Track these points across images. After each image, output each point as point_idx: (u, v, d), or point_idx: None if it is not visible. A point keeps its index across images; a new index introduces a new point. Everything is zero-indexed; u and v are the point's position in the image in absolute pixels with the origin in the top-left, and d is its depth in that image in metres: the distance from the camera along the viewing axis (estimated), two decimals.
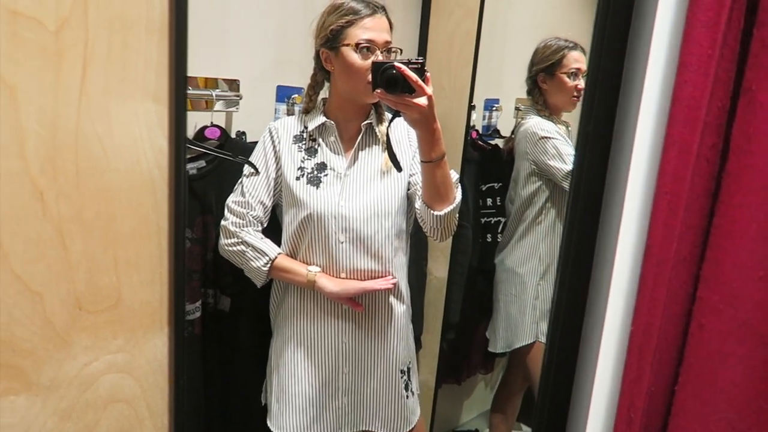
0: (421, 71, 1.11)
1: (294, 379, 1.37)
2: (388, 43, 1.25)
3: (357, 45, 1.23)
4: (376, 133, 1.35)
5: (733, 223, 0.60)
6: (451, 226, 1.31)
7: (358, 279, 1.32)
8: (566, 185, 1.70)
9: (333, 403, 1.37)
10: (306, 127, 1.36)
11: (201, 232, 1.52)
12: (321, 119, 1.33)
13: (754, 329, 0.58)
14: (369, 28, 1.24)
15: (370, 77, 1.22)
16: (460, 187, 1.34)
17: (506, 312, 1.93)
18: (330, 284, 1.29)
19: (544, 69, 1.80)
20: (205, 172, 1.53)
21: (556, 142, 1.73)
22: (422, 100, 1.10)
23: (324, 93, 1.41)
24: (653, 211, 0.71)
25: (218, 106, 1.57)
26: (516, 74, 2.01)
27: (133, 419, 0.82)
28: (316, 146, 1.35)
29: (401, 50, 1.29)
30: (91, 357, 0.76)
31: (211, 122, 1.55)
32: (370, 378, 1.39)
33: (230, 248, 1.34)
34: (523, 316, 1.91)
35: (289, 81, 1.75)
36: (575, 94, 1.81)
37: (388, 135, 1.31)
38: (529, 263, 1.91)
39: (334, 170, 1.32)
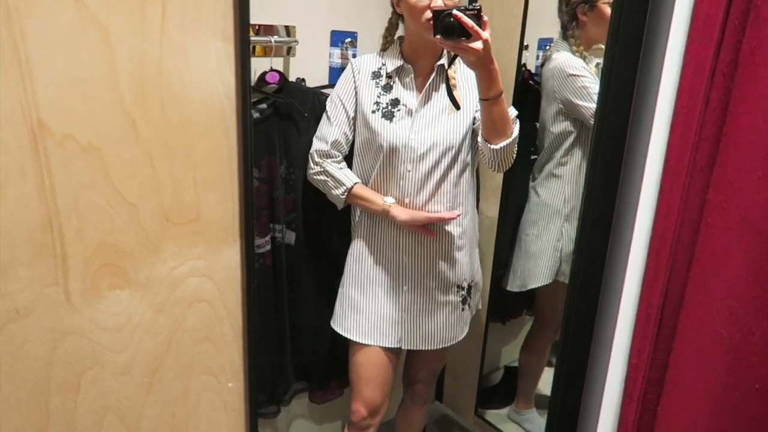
0: (477, 17, 1.21)
1: (357, 288, 1.54)
2: None
3: None
4: (447, 73, 1.46)
5: (737, 130, 0.66)
6: (508, 159, 1.42)
7: (421, 206, 1.47)
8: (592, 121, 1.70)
9: (392, 317, 1.52)
10: (384, 65, 1.48)
11: (267, 171, 1.66)
12: (399, 62, 1.48)
13: (754, 224, 0.65)
14: None
15: (429, 17, 1.31)
16: (518, 122, 1.43)
17: (526, 250, 1.94)
18: (402, 213, 1.44)
19: (585, 0, 1.78)
20: (267, 115, 1.65)
21: (585, 80, 1.72)
22: (477, 44, 1.20)
23: (401, 32, 1.53)
24: (671, 125, 0.77)
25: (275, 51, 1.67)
26: None
27: (213, 317, 0.97)
28: (392, 83, 1.49)
29: None
30: (177, 261, 0.90)
31: (271, 67, 1.66)
32: (428, 296, 1.53)
33: (315, 176, 1.53)
34: (543, 257, 1.90)
35: (342, 26, 1.83)
36: None
37: (447, 76, 1.42)
38: (554, 204, 1.90)
39: (406, 106, 1.46)
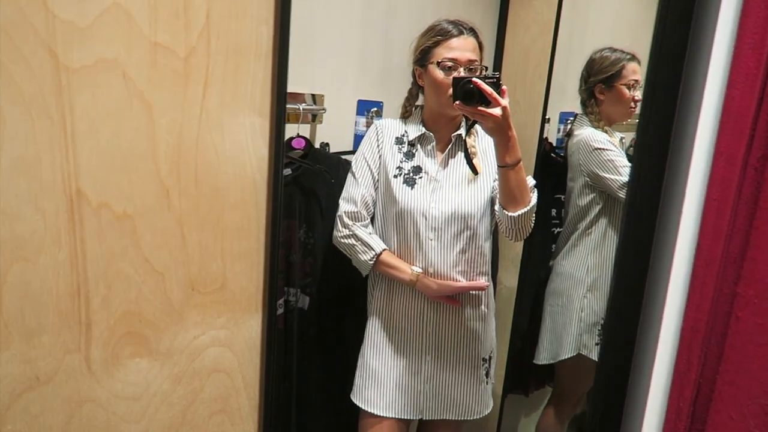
0: (496, 85, 1.24)
1: (379, 359, 1.52)
2: (471, 61, 1.38)
3: (440, 63, 1.37)
4: (465, 142, 1.48)
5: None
6: (525, 228, 1.42)
7: (445, 274, 1.46)
8: (622, 195, 1.70)
9: (415, 387, 1.49)
10: (407, 133, 1.51)
11: (285, 235, 1.66)
12: (421, 130, 1.49)
13: None
14: (454, 48, 1.39)
15: (450, 93, 1.34)
16: (536, 192, 1.44)
17: (552, 322, 1.92)
18: (432, 284, 1.44)
19: (602, 80, 1.81)
20: (291, 179, 1.67)
21: (610, 153, 1.73)
22: (496, 111, 1.22)
23: (421, 101, 1.56)
24: (703, 215, 0.76)
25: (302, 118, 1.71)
26: None
27: (231, 388, 0.95)
28: (414, 151, 1.51)
29: (486, 68, 1.40)
30: (199, 331, 0.90)
31: (298, 133, 1.70)
32: (452, 367, 1.51)
33: (342, 240, 1.51)
34: (568, 328, 1.88)
35: (368, 95, 1.88)
36: (632, 105, 1.81)
37: (465, 142, 1.44)
38: (577, 274, 1.90)
39: (427, 174, 1.48)
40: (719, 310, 0.75)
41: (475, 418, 1.54)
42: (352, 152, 1.81)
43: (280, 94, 0.86)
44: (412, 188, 1.46)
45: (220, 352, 0.93)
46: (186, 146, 0.82)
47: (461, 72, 1.38)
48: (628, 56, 1.76)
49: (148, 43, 0.77)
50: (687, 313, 0.80)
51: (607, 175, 1.76)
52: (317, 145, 1.77)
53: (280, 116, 0.87)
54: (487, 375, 1.57)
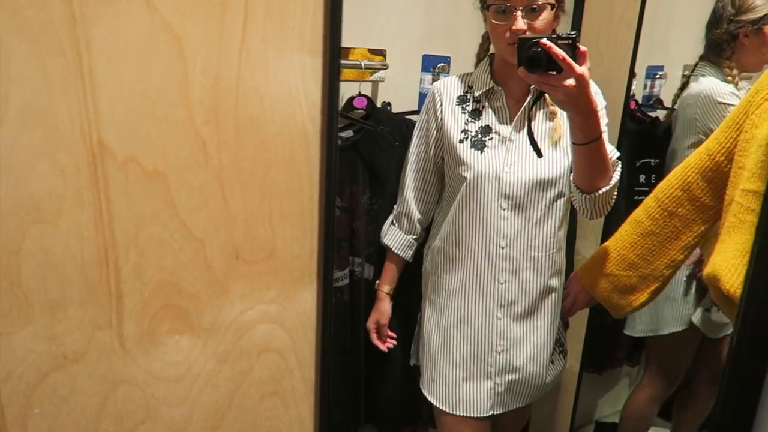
0: (572, 47, 1.02)
1: (446, 353, 1.36)
2: (529, 1, 1.16)
3: (492, 5, 1.19)
4: (545, 97, 1.28)
5: None
6: (604, 206, 1.22)
7: (518, 251, 1.28)
8: None
9: (486, 383, 1.34)
10: (471, 88, 1.33)
11: (348, 200, 1.55)
12: (488, 84, 1.30)
13: None
14: None
15: (511, 41, 1.16)
16: (620, 165, 1.24)
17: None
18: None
19: (752, 21, 1.58)
20: (353, 141, 1.55)
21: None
22: (570, 80, 1.01)
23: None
24: None
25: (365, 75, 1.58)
26: (684, 39, 1.81)
27: (284, 369, 0.84)
28: (480, 108, 1.31)
29: (552, 5, 1.20)
30: (246, 305, 0.79)
31: (359, 92, 1.57)
32: (526, 357, 1.34)
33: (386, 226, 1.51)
34: (675, 300, 1.74)
35: (434, 50, 1.72)
36: None
37: (529, 117, 1.25)
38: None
39: (499, 134, 1.28)
40: None
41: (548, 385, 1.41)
42: (417, 112, 1.67)
43: (334, 26, 0.72)
44: (481, 152, 1.28)
45: (271, 329, 0.81)
46: (224, 89, 0.70)
47: (519, 18, 1.17)
48: None
49: None
50: None
51: None
52: (379, 105, 1.64)
53: (335, 54, 0.73)
54: (560, 354, 1.42)
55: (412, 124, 1.54)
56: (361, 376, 1.60)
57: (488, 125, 1.29)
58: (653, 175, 1.95)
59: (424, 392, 1.39)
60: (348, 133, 1.55)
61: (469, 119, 1.31)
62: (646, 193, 1.91)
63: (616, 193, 1.22)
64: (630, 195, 1.92)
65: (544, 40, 1.00)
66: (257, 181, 0.75)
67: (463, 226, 1.30)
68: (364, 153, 1.55)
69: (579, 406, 2.07)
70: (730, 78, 1.63)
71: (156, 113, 0.67)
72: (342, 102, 1.57)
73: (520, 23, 1.15)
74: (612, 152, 1.20)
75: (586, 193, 1.17)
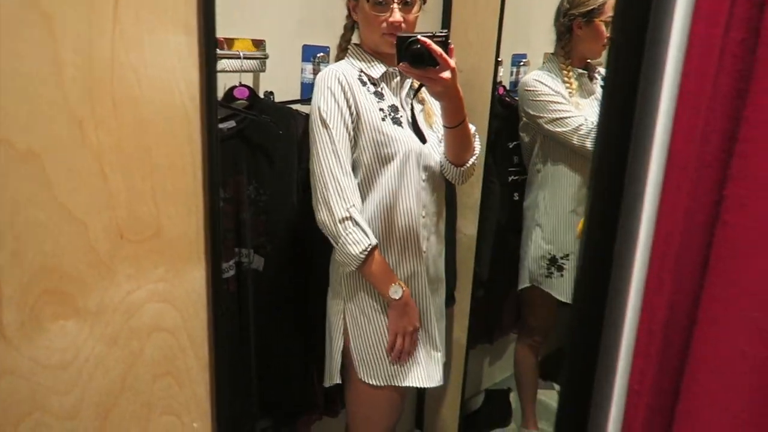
0: (444, 44, 1.13)
1: (380, 338, 1.41)
2: None
3: None
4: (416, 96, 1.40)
5: (762, 112, 0.59)
6: (471, 172, 1.38)
7: (432, 217, 1.40)
8: (550, 128, 1.80)
9: (426, 357, 1.45)
10: (362, 71, 1.36)
11: (233, 191, 1.55)
12: (382, 67, 1.36)
13: None
14: None
15: (387, 31, 1.24)
16: (477, 137, 1.39)
17: (520, 255, 2.06)
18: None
19: (583, 14, 1.78)
20: (235, 132, 1.55)
21: (540, 94, 1.80)
22: (446, 74, 1.12)
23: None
24: (676, 113, 0.69)
25: (245, 65, 1.59)
26: (545, 29, 1.98)
27: (176, 348, 0.85)
28: (380, 90, 1.37)
29: (423, 0, 1.29)
30: (134, 285, 0.79)
31: (240, 82, 1.57)
32: (440, 330, 1.51)
33: (333, 226, 1.28)
34: (523, 261, 2.02)
35: (314, 40, 1.76)
36: (605, 42, 1.79)
37: (412, 106, 1.35)
38: (529, 212, 2.02)
39: (405, 112, 1.36)
40: (697, 221, 0.69)
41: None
42: (299, 101, 1.70)
43: (208, 4, 0.74)
44: (402, 127, 1.35)
45: (160, 308, 0.82)
46: (99, 68, 0.70)
47: (395, 8, 1.25)
48: None
49: None
50: (658, 225, 0.73)
51: (535, 113, 1.82)
52: (261, 95, 1.65)
53: (210, 31, 0.75)
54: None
55: (297, 113, 1.57)
56: (252, 366, 1.60)
57: (394, 104, 1.36)
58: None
59: (366, 379, 1.43)
60: (230, 124, 1.55)
61: (377, 99, 1.36)
62: (520, 173, 2.09)
63: (476, 160, 1.40)
64: (504, 175, 2.07)
65: (423, 38, 1.09)
66: (138, 160, 0.76)
67: (386, 199, 1.32)
68: (248, 143, 1.56)
69: (472, 374, 2.22)
70: (563, 66, 1.84)
71: (28, 92, 0.66)
72: (222, 93, 1.57)
73: (397, 15, 1.23)
74: (470, 127, 1.33)
75: (459, 166, 1.29)
